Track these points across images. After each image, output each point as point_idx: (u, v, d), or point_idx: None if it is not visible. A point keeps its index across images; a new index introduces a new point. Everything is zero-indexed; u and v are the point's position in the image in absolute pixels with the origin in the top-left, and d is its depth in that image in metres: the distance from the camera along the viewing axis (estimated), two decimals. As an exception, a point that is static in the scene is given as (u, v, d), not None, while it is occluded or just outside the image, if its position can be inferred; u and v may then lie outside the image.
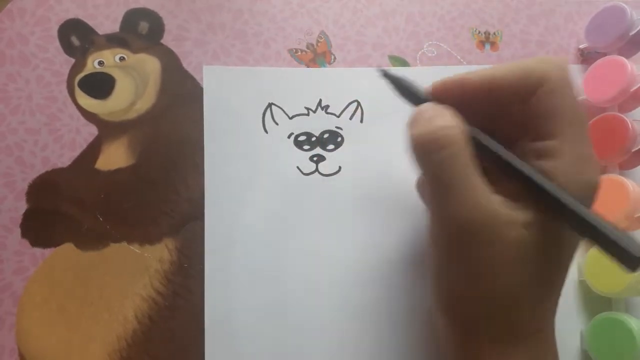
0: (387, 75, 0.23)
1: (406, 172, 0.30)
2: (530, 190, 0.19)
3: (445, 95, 0.21)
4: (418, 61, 0.33)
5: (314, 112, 0.31)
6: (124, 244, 0.28)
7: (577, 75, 0.33)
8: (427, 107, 0.21)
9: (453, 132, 0.19)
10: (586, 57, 0.34)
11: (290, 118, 0.31)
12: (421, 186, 0.26)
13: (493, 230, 0.19)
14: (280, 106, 0.31)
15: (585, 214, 0.18)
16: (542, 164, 0.19)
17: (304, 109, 0.31)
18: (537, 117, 0.20)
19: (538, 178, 0.19)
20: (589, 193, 0.19)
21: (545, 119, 0.20)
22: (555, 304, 0.22)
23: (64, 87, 0.30)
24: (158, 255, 0.28)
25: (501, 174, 0.20)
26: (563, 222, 0.19)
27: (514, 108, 0.20)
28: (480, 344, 0.20)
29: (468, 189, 0.19)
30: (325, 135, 0.31)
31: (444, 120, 0.20)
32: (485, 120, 0.21)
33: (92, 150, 0.29)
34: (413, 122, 0.21)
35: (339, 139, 0.31)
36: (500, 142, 0.20)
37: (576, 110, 0.19)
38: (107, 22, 0.31)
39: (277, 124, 0.30)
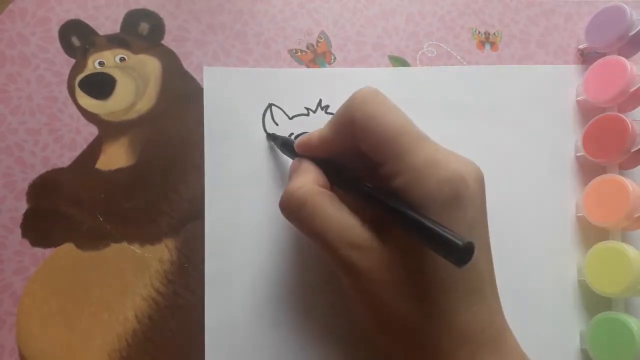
0: (270, 136, 0.30)
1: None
2: (373, 204, 0.21)
3: (304, 152, 0.25)
4: (418, 61, 0.33)
5: (314, 112, 0.31)
6: (124, 244, 0.28)
7: (577, 76, 0.33)
8: (290, 167, 0.25)
9: (305, 191, 0.22)
10: (586, 57, 0.34)
11: (290, 118, 0.31)
12: None
13: (365, 258, 0.20)
14: (280, 106, 0.31)
15: (406, 212, 0.19)
16: (393, 186, 0.20)
17: (304, 109, 0.31)
18: (369, 151, 0.22)
19: (374, 193, 0.21)
20: (446, 189, 0.19)
21: (371, 150, 0.21)
22: (480, 311, 0.20)
23: (64, 87, 0.30)
24: (158, 255, 0.28)
25: (364, 205, 0.22)
26: (400, 227, 0.20)
27: (360, 149, 0.22)
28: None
29: (333, 231, 0.21)
30: (325, 136, 0.31)
31: (298, 181, 0.22)
32: (355, 161, 0.23)
33: (93, 151, 0.29)
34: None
35: (339, 139, 0.31)
36: (373, 179, 0.22)
37: (394, 129, 0.21)
38: (107, 23, 0.31)
39: (277, 124, 0.31)
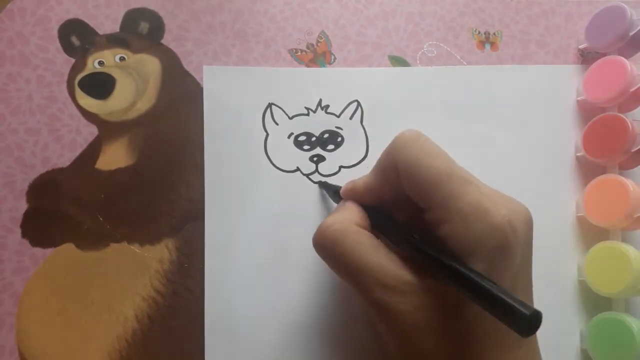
0: (322, 184, 0.30)
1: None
2: (420, 258, 0.20)
3: (350, 198, 0.24)
4: (418, 61, 0.33)
5: (314, 112, 0.31)
6: (124, 244, 0.28)
7: (577, 76, 0.33)
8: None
9: (340, 227, 0.21)
10: (586, 57, 0.34)
11: (290, 118, 0.31)
12: None
13: (400, 301, 0.19)
14: (280, 106, 0.31)
15: (465, 272, 0.17)
16: (438, 234, 0.20)
17: (304, 109, 0.31)
18: (413, 196, 0.21)
19: (422, 246, 0.20)
20: (493, 238, 0.18)
21: (416, 196, 0.21)
22: None
23: (64, 87, 0.30)
24: (158, 255, 0.28)
25: (404, 248, 0.21)
26: (454, 285, 0.18)
27: (403, 195, 0.21)
28: None
29: (367, 271, 0.20)
30: (325, 135, 0.31)
31: (332, 218, 0.22)
32: (404, 208, 0.23)
33: (93, 150, 0.29)
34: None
35: (339, 139, 0.31)
36: (417, 225, 0.21)
37: (437, 174, 0.20)
38: (107, 22, 0.31)
39: (277, 124, 0.30)
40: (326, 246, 0.21)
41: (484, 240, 0.18)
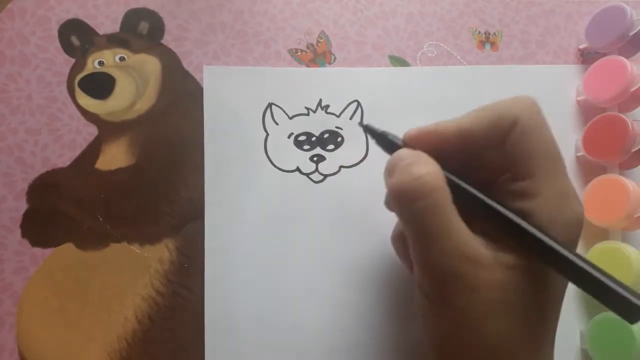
0: (367, 128, 0.23)
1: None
2: (512, 233, 0.19)
3: (419, 144, 0.21)
4: (418, 61, 0.33)
5: (314, 112, 0.31)
6: (124, 244, 0.28)
7: (577, 76, 0.33)
8: (404, 153, 0.20)
9: (433, 179, 0.19)
10: (586, 57, 0.34)
11: (290, 118, 0.31)
12: (397, 240, 0.25)
13: (477, 274, 0.18)
14: (280, 106, 0.31)
15: (577, 261, 0.17)
16: (522, 205, 0.19)
17: (304, 109, 0.31)
18: (512, 159, 0.20)
19: (521, 221, 0.19)
20: (573, 229, 0.19)
21: (520, 160, 0.19)
22: (547, 355, 0.20)
23: (64, 87, 0.30)
24: (158, 255, 0.28)
25: (479, 217, 0.20)
26: (549, 265, 0.18)
27: (489, 152, 0.20)
28: None
29: (451, 236, 0.18)
30: (325, 135, 0.31)
31: (424, 168, 0.19)
32: (461, 164, 0.21)
33: (92, 150, 0.29)
34: (391, 170, 0.20)
35: (339, 139, 0.31)
36: (477, 185, 0.20)
37: (550, 148, 0.20)
38: (107, 22, 0.31)
39: (277, 124, 0.31)
40: (414, 197, 0.18)
41: (570, 227, 0.19)
